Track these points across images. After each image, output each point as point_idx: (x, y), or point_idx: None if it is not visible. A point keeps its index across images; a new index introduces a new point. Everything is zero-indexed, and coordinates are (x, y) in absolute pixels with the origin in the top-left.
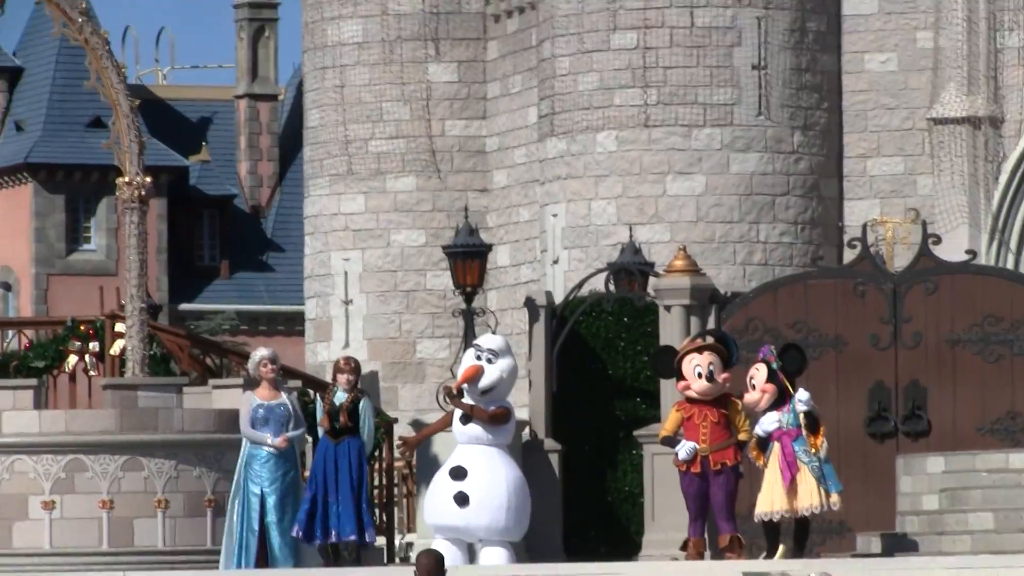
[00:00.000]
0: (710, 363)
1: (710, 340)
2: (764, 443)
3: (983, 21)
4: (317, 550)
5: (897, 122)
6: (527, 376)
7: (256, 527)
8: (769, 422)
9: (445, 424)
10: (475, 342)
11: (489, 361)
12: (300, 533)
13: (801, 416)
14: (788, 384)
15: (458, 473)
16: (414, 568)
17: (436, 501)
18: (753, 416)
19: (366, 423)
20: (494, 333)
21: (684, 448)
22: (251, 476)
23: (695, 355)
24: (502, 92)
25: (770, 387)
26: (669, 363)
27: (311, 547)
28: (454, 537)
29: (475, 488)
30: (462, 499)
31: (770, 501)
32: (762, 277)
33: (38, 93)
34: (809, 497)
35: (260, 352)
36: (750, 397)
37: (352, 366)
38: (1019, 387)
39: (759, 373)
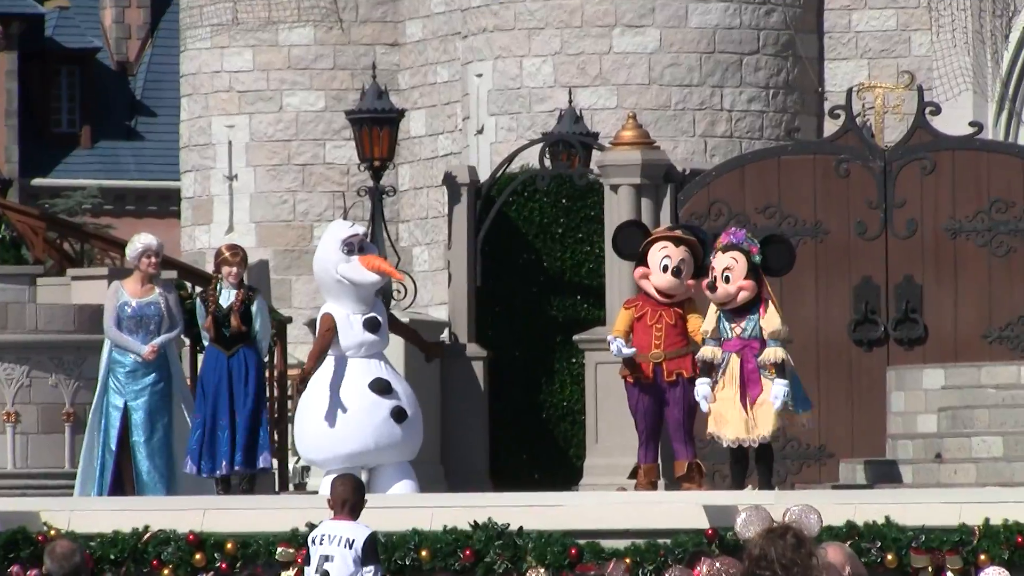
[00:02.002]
0: (682, 259)
1: (689, 236)
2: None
3: None
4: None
5: None
6: (446, 268)
7: (114, 446)
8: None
9: (329, 339)
10: (348, 233)
11: (362, 250)
12: (193, 467)
13: (769, 365)
14: (768, 290)
15: (382, 387)
16: (328, 498)
17: (365, 422)
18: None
19: (261, 326)
20: (347, 219)
21: (615, 343)
22: (114, 385)
23: (669, 244)
24: None
25: (750, 284)
26: (635, 242)
27: (194, 476)
28: (363, 465)
29: (405, 401)
30: (400, 415)
31: (727, 425)
32: (727, 152)
33: None
34: (773, 421)
35: (143, 240)
36: (725, 289)
37: (240, 257)
38: None
39: (737, 264)
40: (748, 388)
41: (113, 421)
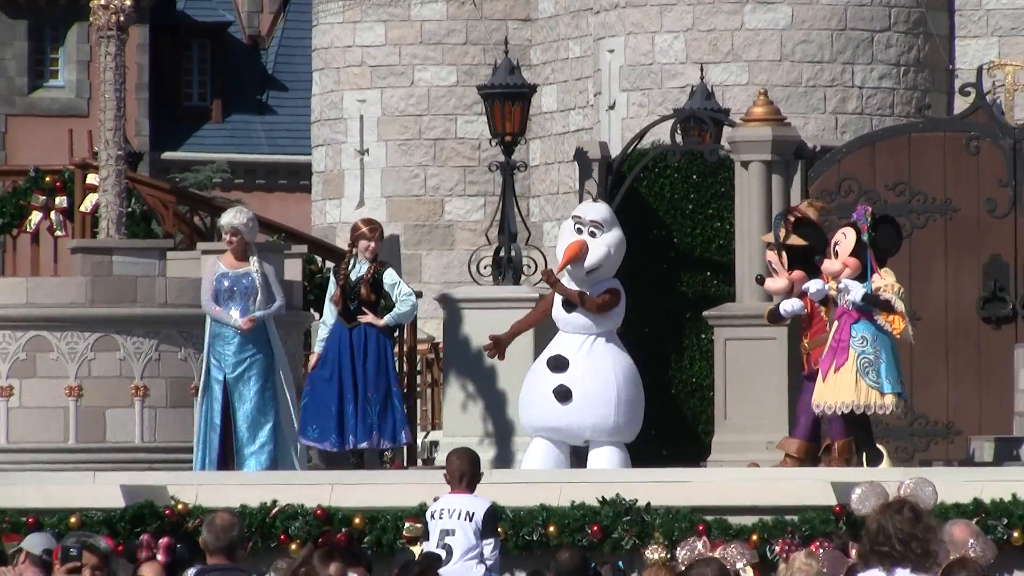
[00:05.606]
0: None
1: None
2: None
3: None
4: (326, 456)
5: None
6: None
7: (218, 420)
8: (815, 288)
9: (542, 316)
10: (575, 213)
11: (592, 235)
12: (324, 442)
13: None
14: (875, 263)
15: (558, 363)
16: (444, 471)
17: (533, 396)
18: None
19: (400, 295)
20: (595, 201)
21: (786, 303)
22: (215, 359)
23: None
24: None
25: (853, 262)
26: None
27: (298, 445)
28: (557, 438)
29: (578, 381)
30: (564, 394)
31: (819, 391)
32: (857, 128)
33: None
34: (844, 392)
35: (225, 217)
36: (829, 265)
37: (378, 232)
38: None
39: (845, 240)
40: (836, 355)
41: (216, 394)
